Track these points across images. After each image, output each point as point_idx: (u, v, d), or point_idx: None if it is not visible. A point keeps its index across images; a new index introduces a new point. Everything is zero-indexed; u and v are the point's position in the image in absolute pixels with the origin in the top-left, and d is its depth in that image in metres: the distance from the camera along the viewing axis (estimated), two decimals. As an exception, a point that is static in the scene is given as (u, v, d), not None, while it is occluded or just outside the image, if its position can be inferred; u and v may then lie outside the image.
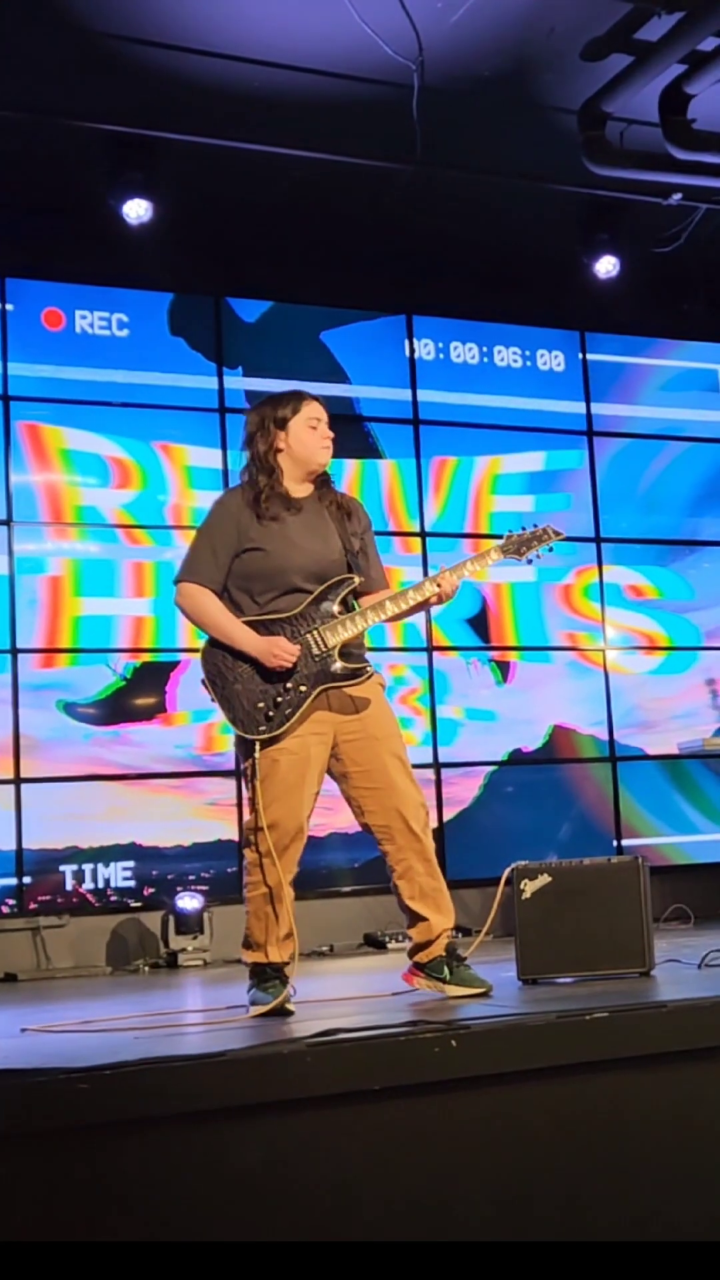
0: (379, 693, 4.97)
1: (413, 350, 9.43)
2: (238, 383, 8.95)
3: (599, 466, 9.81)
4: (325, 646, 4.84)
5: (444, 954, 4.89)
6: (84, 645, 8.38)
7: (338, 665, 4.85)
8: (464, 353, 9.59)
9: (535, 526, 5.13)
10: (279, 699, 4.79)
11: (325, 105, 7.57)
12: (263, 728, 4.78)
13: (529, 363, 9.76)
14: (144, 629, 8.51)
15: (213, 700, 4.88)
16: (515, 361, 9.72)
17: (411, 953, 4.98)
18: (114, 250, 8.40)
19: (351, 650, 4.91)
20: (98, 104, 7.41)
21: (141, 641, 8.51)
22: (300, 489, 5.01)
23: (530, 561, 5.12)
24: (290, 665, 4.78)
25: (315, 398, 5.05)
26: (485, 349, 9.65)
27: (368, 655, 5.03)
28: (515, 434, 9.61)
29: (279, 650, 4.77)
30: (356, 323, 9.32)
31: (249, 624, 4.85)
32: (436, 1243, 3.51)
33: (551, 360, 9.82)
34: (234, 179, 8.18)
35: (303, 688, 4.81)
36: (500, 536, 5.16)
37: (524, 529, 5.13)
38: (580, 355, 9.88)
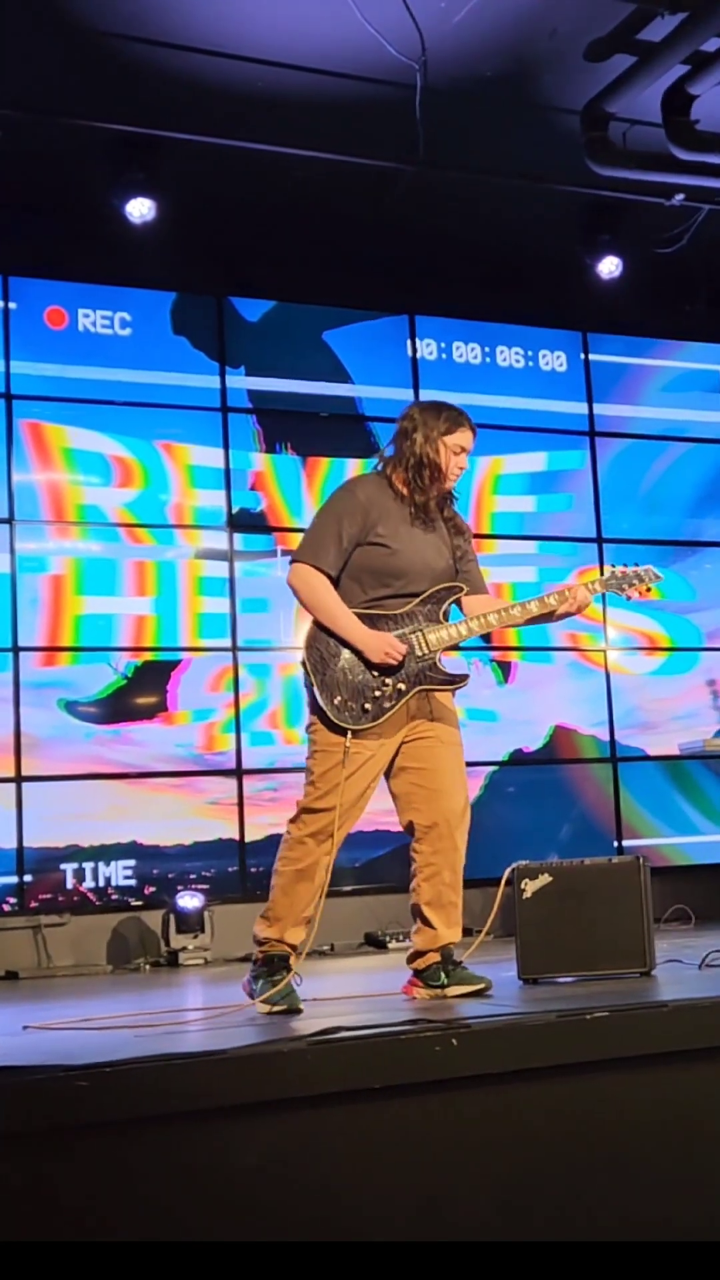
0: (453, 702, 5.03)
1: (415, 350, 9.43)
2: (240, 382, 8.95)
3: (601, 467, 9.80)
4: (428, 649, 4.89)
5: (439, 960, 4.90)
6: (85, 644, 8.38)
7: (437, 669, 4.90)
8: (466, 353, 9.58)
9: (638, 565, 5.18)
10: (377, 692, 4.83)
11: (328, 105, 7.57)
12: (356, 719, 4.81)
13: (531, 363, 9.76)
14: (145, 628, 8.51)
15: (308, 683, 4.90)
16: (517, 362, 9.72)
17: (410, 959, 4.99)
18: (117, 249, 8.40)
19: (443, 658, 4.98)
20: (101, 103, 7.41)
21: (143, 640, 8.51)
22: (431, 496, 5.04)
23: (630, 600, 5.21)
24: (398, 663, 4.81)
25: (471, 426, 5.05)
26: (487, 349, 9.65)
27: None
28: (517, 434, 9.61)
29: (392, 647, 4.82)
30: (359, 322, 9.32)
31: (355, 614, 4.88)
32: (436, 1243, 3.51)
33: (554, 361, 9.82)
34: (237, 178, 8.18)
35: (401, 686, 4.86)
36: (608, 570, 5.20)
37: (627, 567, 5.18)
38: (582, 356, 9.88)
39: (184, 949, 7.90)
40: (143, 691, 8.49)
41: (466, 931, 7.20)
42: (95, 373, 8.62)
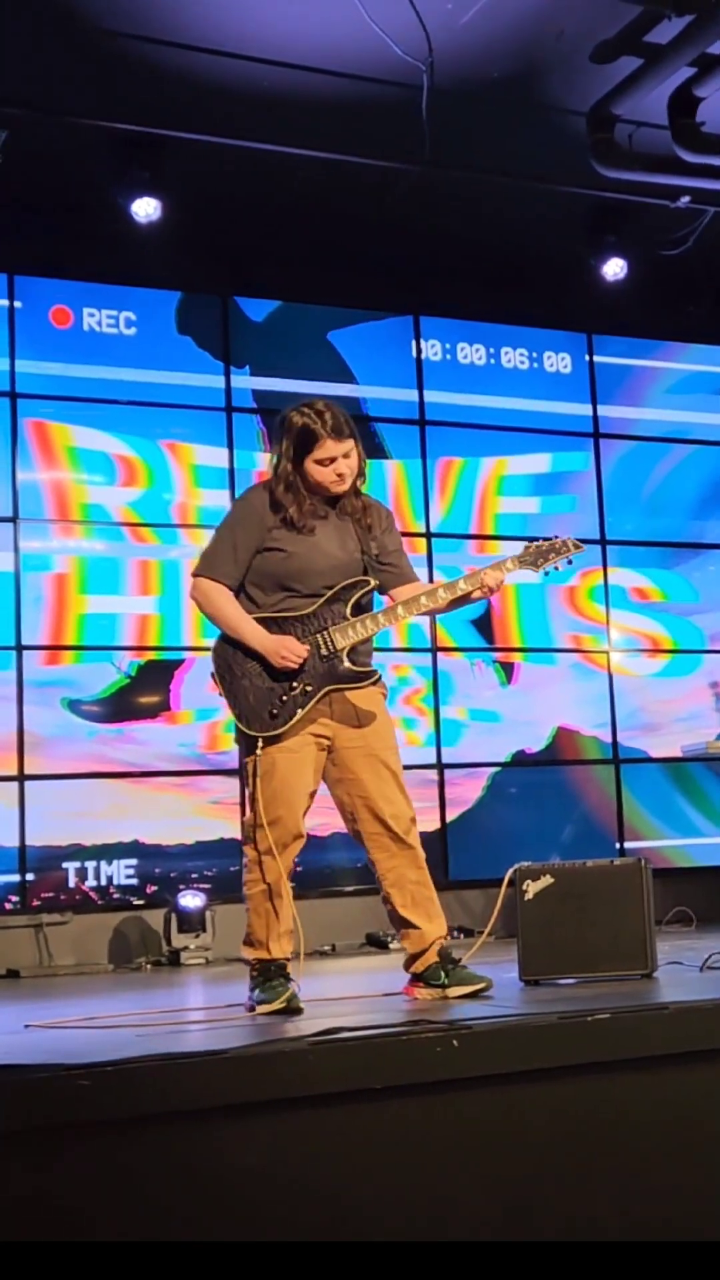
0: (381, 704, 4.99)
1: (420, 351, 9.44)
2: (245, 382, 8.95)
3: (605, 468, 9.80)
4: (334, 648, 4.86)
5: (438, 960, 4.89)
6: (89, 643, 8.39)
7: (345, 667, 4.86)
8: (471, 354, 9.59)
9: (555, 538, 5.08)
10: (284, 697, 4.81)
11: (334, 105, 7.57)
12: (266, 725, 4.80)
13: (536, 364, 9.76)
14: (149, 627, 8.52)
15: (220, 695, 4.90)
16: (522, 363, 9.72)
17: (407, 964, 4.99)
18: (122, 249, 8.40)
19: (359, 654, 4.91)
20: (106, 102, 7.41)
21: (146, 639, 8.51)
22: (317, 500, 4.99)
23: (546, 574, 5.10)
24: (297, 665, 4.80)
25: (335, 431, 4.89)
26: (492, 350, 9.65)
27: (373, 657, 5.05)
28: (521, 435, 9.61)
29: (287, 650, 4.79)
30: (364, 323, 9.33)
31: (260, 620, 4.87)
32: (437, 1243, 3.51)
33: (558, 362, 9.82)
34: (242, 178, 8.18)
35: (309, 688, 4.83)
36: (521, 546, 5.13)
37: (543, 540, 5.09)
38: (587, 357, 9.88)
39: (185, 948, 7.90)
40: (146, 691, 8.49)
41: (468, 932, 7.22)
42: (100, 372, 8.62)
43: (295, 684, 4.83)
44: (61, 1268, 3.17)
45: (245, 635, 4.86)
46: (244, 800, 8.38)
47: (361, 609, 4.93)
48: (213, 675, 4.93)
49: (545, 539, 5.09)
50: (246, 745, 4.86)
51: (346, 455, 4.94)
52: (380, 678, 4.99)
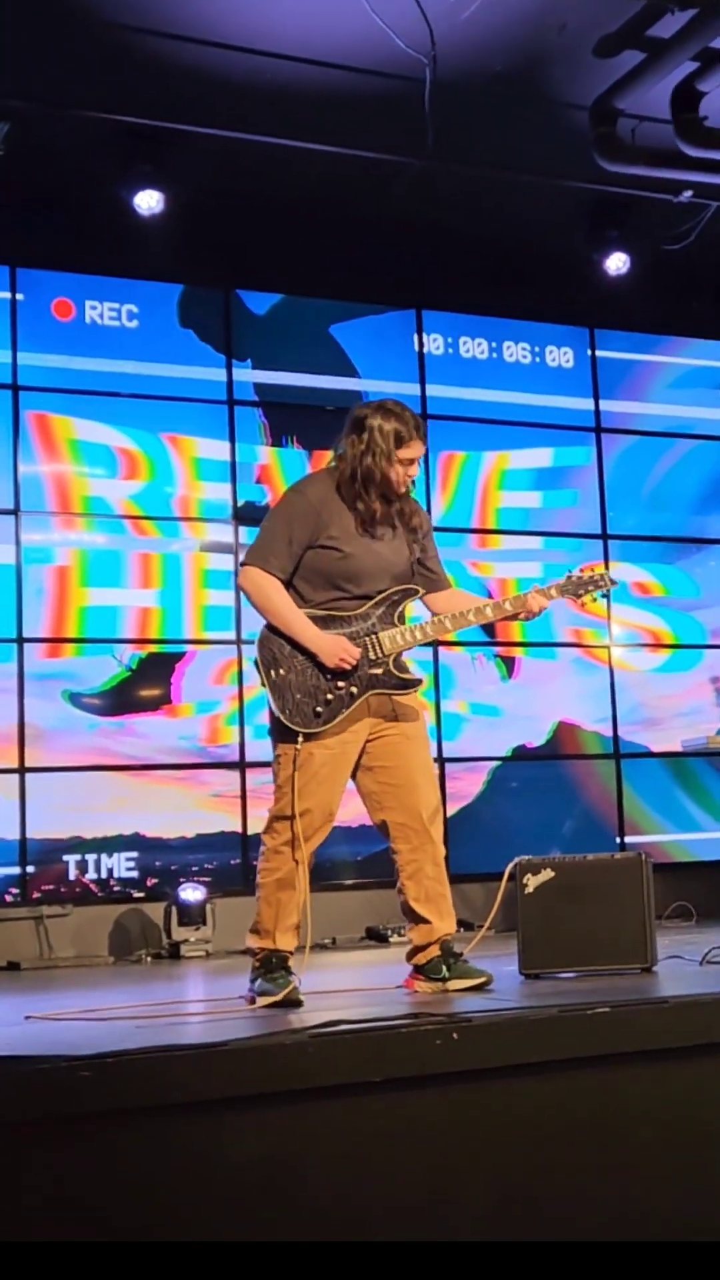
0: (417, 698, 5.04)
1: (422, 345, 9.43)
2: (247, 375, 8.95)
3: (607, 463, 9.80)
4: (382, 653, 4.89)
5: (440, 954, 4.91)
6: (90, 635, 8.39)
7: (392, 673, 4.90)
8: (473, 348, 9.59)
9: (594, 571, 5.23)
10: (329, 696, 4.83)
11: (337, 98, 7.57)
12: (310, 722, 4.82)
13: (538, 359, 9.76)
14: (150, 620, 8.52)
15: (262, 685, 4.90)
16: (524, 357, 9.72)
17: (410, 955, 5.00)
18: (124, 241, 8.40)
19: (404, 660, 4.96)
20: (109, 95, 7.41)
21: (147, 632, 8.52)
22: (383, 502, 5.01)
23: (584, 605, 5.30)
24: (351, 667, 4.82)
25: (421, 434, 4.98)
26: (494, 344, 9.64)
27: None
28: (523, 430, 9.61)
29: (345, 651, 4.81)
30: (366, 316, 9.33)
31: (308, 617, 4.88)
32: (437, 1241, 3.52)
33: (560, 356, 9.82)
34: (245, 171, 8.18)
35: (354, 689, 4.86)
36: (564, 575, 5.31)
37: (584, 573, 5.24)
38: (589, 352, 9.88)
39: (186, 941, 7.90)
40: (147, 684, 8.50)
41: (468, 926, 7.22)
42: (102, 364, 8.62)
43: (341, 684, 4.85)
44: (64, 1261, 3.18)
45: (297, 632, 4.85)
46: (246, 795, 8.49)
47: (404, 615, 4.98)
48: (256, 664, 4.92)
49: (583, 569, 5.26)
50: (284, 737, 4.86)
51: (419, 462, 5.03)
52: (424, 684, 5.07)
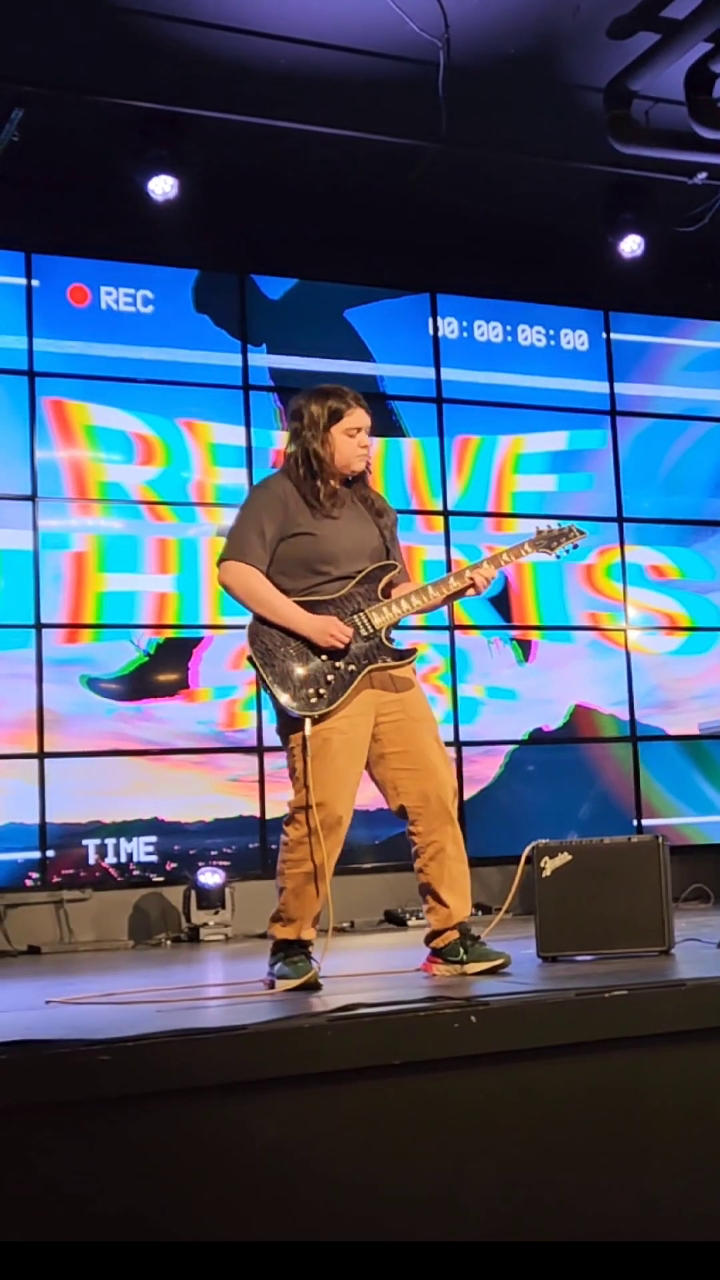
0: (413, 675, 5.02)
1: (436, 328, 9.42)
2: (262, 360, 8.95)
3: (622, 446, 9.78)
4: (373, 628, 4.87)
5: (458, 936, 4.91)
6: (107, 621, 8.40)
7: (385, 647, 4.88)
8: (488, 331, 9.57)
9: (563, 525, 5.22)
10: (329, 676, 4.82)
11: (351, 82, 7.55)
12: (313, 705, 4.80)
13: (553, 342, 9.74)
14: (167, 605, 8.53)
15: (260, 678, 4.89)
16: (539, 341, 9.70)
17: (428, 939, 4.99)
18: (139, 227, 8.39)
19: (394, 633, 4.95)
20: (124, 80, 7.40)
21: (165, 617, 8.52)
22: (338, 481, 5.02)
23: (559, 557, 5.24)
24: (344, 645, 4.81)
25: (360, 403, 5.01)
26: (509, 328, 9.63)
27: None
28: (538, 413, 9.60)
29: (335, 630, 4.80)
30: (381, 301, 9.31)
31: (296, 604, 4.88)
32: (454, 1227, 3.53)
33: (575, 340, 9.80)
34: (259, 156, 8.17)
35: (352, 667, 4.84)
36: (532, 531, 5.27)
37: (552, 526, 5.24)
38: (604, 335, 9.86)
39: (205, 925, 7.93)
40: (164, 669, 8.51)
41: (485, 909, 7.23)
42: (118, 350, 8.62)
43: (339, 664, 4.84)
44: (86, 1241, 3.19)
45: (286, 617, 4.84)
46: (264, 780, 8.49)
47: (387, 591, 4.96)
48: (250, 659, 4.91)
49: (554, 526, 5.25)
50: (291, 726, 4.85)
51: (368, 431, 5.01)
52: (417, 654, 5.04)
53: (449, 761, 5.02)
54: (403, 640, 5.00)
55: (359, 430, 4.97)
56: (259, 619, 4.89)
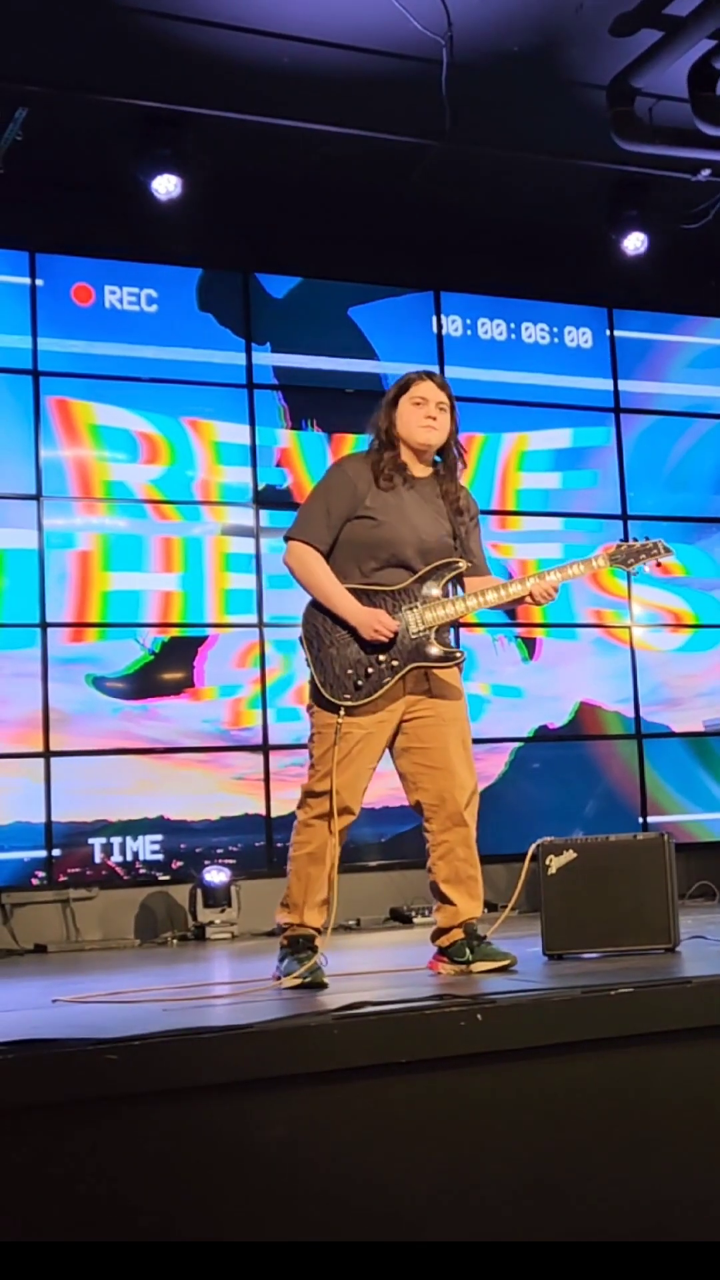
0: (457, 676, 5.01)
1: (440, 326, 9.42)
2: (266, 358, 8.95)
3: (626, 443, 9.78)
4: (423, 625, 4.86)
5: (464, 936, 4.90)
6: (113, 620, 8.41)
7: (432, 646, 4.87)
8: (491, 329, 9.56)
9: (647, 539, 5.15)
10: (370, 670, 4.82)
11: (354, 80, 7.55)
12: (349, 696, 4.80)
13: (556, 339, 9.73)
14: (172, 604, 8.53)
15: (306, 660, 4.90)
16: (543, 338, 9.70)
17: (434, 936, 4.99)
18: (143, 226, 8.40)
19: (445, 633, 4.94)
20: (127, 80, 7.40)
21: (170, 616, 8.52)
22: (417, 468, 5.03)
23: (634, 575, 5.19)
24: (388, 639, 4.80)
25: (434, 378, 5.06)
26: (513, 325, 9.62)
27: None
28: (542, 411, 9.59)
29: (380, 623, 4.79)
30: (384, 299, 9.31)
31: (351, 591, 4.86)
32: (464, 1225, 3.53)
33: (579, 337, 9.79)
34: (263, 154, 8.17)
35: (395, 662, 4.83)
36: (613, 544, 5.21)
37: (635, 539, 5.17)
38: (608, 332, 9.85)
39: (211, 923, 7.93)
40: (170, 667, 8.51)
41: (491, 907, 7.22)
42: (122, 349, 8.63)
43: (382, 658, 4.83)
44: (89, 1239, 3.19)
45: (337, 604, 4.84)
46: (269, 778, 8.49)
47: (448, 590, 4.96)
48: (300, 640, 4.93)
49: (638, 540, 5.16)
50: (325, 711, 4.85)
51: (441, 406, 5.01)
52: (464, 658, 5.02)
53: (472, 768, 4.99)
54: (455, 642, 5.00)
55: (425, 400, 4.98)
56: (314, 601, 4.91)
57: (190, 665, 8.53)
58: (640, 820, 9.33)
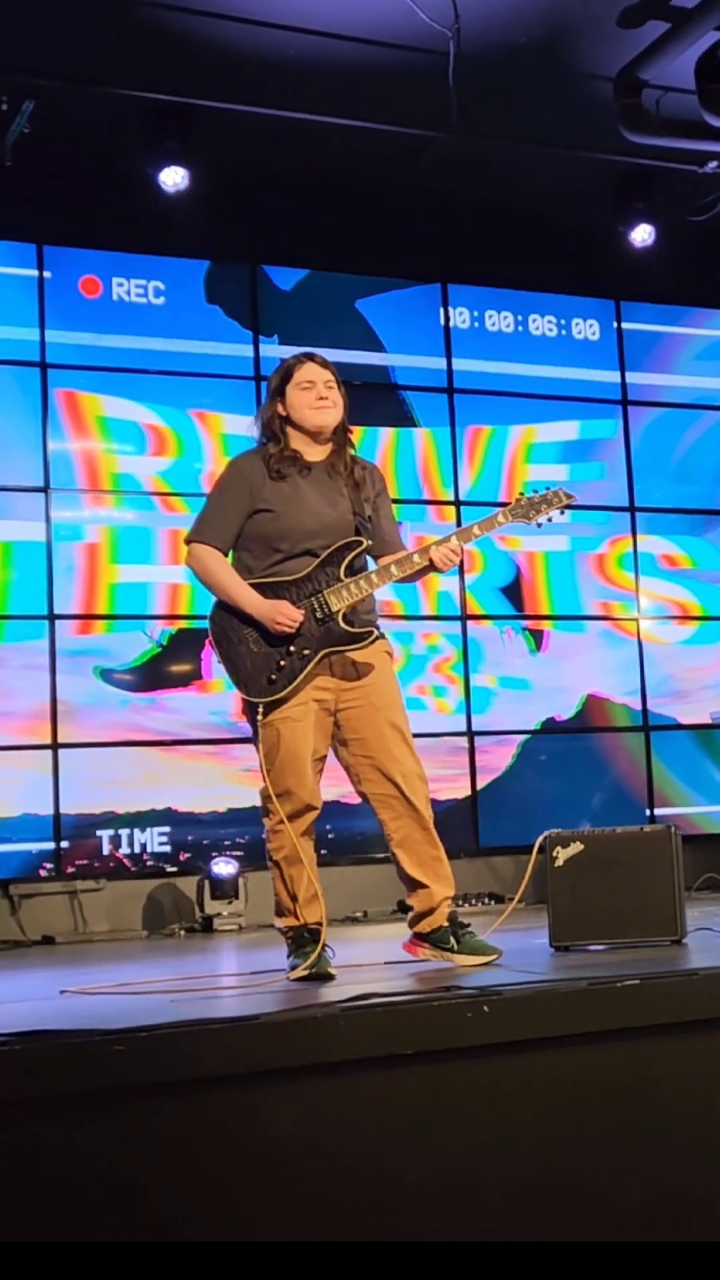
0: (384, 659, 4.92)
1: (448, 318, 9.41)
2: (274, 350, 8.93)
3: (633, 436, 9.77)
4: (329, 610, 4.79)
5: (447, 923, 4.87)
6: (121, 612, 8.41)
7: (341, 630, 4.80)
8: (499, 321, 9.56)
9: (547, 489, 5.04)
10: (281, 663, 4.76)
11: (361, 72, 7.54)
12: (264, 690, 4.76)
13: (564, 331, 9.72)
14: (180, 596, 8.53)
15: (218, 661, 4.88)
16: (550, 330, 9.69)
17: (412, 922, 4.94)
18: (151, 218, 8.39)
19: (357, 614, 4.86)
20: (134, 72, 7.40)
21: (178, 608, 8.53)
22: (312, 452, 4.96)
23: (540, 526, 5.06)
24: (293, 629, 4.75)
25: (314, 359, 4.97)
26: (520, 317, 9.61)
27: (380, 622, 5.00)
28: (550, 403, 9.58)
29: (282, 615, 4.73)
30: (392, 291, 9.30)
31: (255, 586, 4.80)
32: (469, 1218, 3.54)
33: (586, 329, 9.78)
34: (270, 146, 8.16)
35: (306, 651, 4.77)
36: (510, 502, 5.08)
37: (535, 492, 5.05)
38: (615, 324, 9.84)
39: (218, 915, 7.94)
40: (177, 659, 8.52)
41: (498, 899, 7.23)
42: (129, 341, 8.63)
43: (292, 649, 4.76)
44: (96, 1234, 3.20)
45: (239, 599, 4.79)
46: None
47: (355, 570, 4.86)
48: (209, 642, 4.90)
49: (536, 491, 5.05)
50: (249, 713, 4.83)
51: (329, 384, 4.94)
52: (382, 635, 4.93)
53: (412, 748, 4.89)
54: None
55: (312, 383, 4.91)
56: (219, 602, 4.87)
57: (198, 657, 8.54)
58: (647, 812, 9.33)
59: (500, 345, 9.53)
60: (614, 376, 9.80)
